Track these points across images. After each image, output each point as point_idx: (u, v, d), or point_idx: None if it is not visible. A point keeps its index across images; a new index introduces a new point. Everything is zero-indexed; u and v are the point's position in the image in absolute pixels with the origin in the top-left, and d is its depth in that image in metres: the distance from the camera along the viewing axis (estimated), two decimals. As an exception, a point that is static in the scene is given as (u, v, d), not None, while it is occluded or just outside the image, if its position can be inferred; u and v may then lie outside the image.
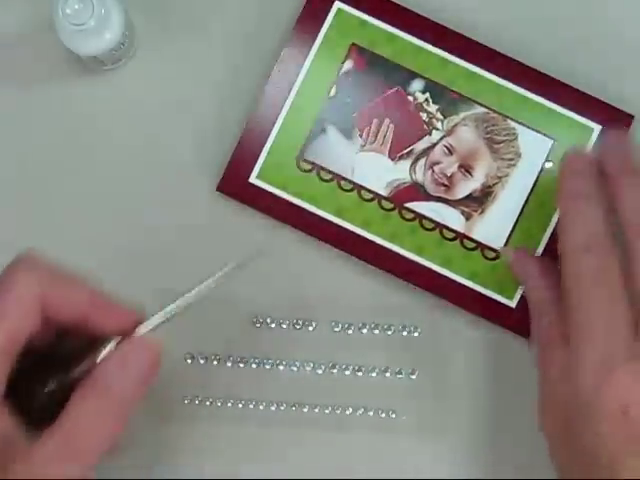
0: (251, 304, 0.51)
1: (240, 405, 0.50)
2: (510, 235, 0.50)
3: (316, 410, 0.50)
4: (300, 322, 0.51)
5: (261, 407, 0.50)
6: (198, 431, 0.50)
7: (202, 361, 0.51)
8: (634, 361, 0.39)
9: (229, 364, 0.51)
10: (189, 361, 0.51)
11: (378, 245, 0.50)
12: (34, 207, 0.51)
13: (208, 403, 0.50)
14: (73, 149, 0.51)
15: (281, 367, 0.51)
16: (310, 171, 0.51)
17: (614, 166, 0.44)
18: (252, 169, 0.50)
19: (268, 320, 0.51)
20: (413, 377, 0.51)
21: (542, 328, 0.45)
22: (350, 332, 0.51)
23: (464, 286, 0.50)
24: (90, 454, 0.37)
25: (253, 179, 0.50)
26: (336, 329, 0.51)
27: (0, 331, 0.37)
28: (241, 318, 0.51)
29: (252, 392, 0.51)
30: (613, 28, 0.52)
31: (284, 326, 0.51)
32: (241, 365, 0.50)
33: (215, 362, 0.50)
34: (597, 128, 0.50)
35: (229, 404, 0.50)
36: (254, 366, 0.51)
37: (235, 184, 0.50)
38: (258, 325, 0.51)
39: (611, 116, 0.50)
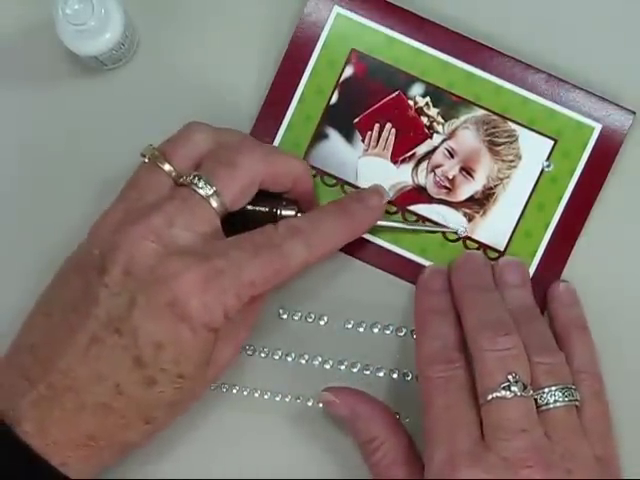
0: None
1: (245, 393, 0.51)
2: (512, 236, 0.51)
3: (320, 405, 0.51)
4: (312, 315, 0.52)
5: (266, 397, 0.52)
6: (204, 415, 0.51)
7: None
8: (475, 459, 0.42)
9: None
10: None
11: (382, 248, 0.51)
12: (33, 208, 0.52)
13: (212, 388, 0.51)
14: (73, 149, 0.52)
15: (289, 359, 0.52)
16: (314, 177, 0.51)
17: (460, 282, 0.48)
18: (258, 176, 0.51)
19: (280, 311, 0.52)
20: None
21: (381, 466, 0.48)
22: (361, 330, 0.52)
23: (467, 286, 0.51)
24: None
25: (259, 186, 0.52)
26: (348, 325, 0.52)
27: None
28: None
29: (259, 381, 0.51)
30: (612, 25, 0.52)
31: (295, 318, 0.52)
32: (249, 353, 0.52)
33: None
34: (598, 126, 0.50)
35: (234, 391, 0.51)
36: (262, 355, 0.52)
37: (242, 191, 0.52)
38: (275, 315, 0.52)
39: (612, 113, 0.50)
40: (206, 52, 0.52)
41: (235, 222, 0.45)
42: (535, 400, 0.44)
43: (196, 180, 0.44)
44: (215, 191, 0.43)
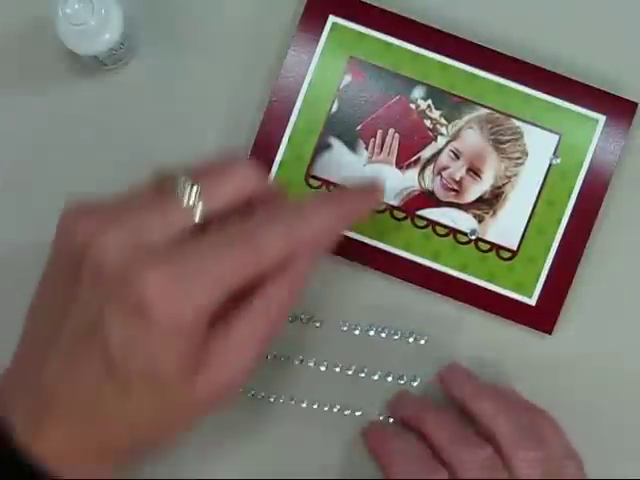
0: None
1: (249, 395, 0.51)
2: (524, 234, 0.50)
3: (314, 406, 0.51)
4: (306, 318, 0.51)
5: (259, 397, 0.51)
6: (206, 418, 0.50)
7: None
8: None
9: None
10: None
11: (393, 255, 0.50)
12: (33, 208, 0.51)
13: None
14: (73, 150, 0.52)
15: (282, 359, 0.51)
16: (319, 187, 0.51)
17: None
18: (262, 191, 0.51)
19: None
20: (414, 384, 0.51)
21: None
22: (357, 333, 0.51)
23: (482, 288, 0.50)
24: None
25: (264, 200, 0.51)
26: (343, 328, 0.51)
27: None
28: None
29: (252, 383, 0.51)
30: (611, 19, 0.52)
31: (289, 318, 0.51)
32: None
33: None
34: (602, 119, 0.50)
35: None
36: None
37: (246, 207, 0.51)
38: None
39: (614, 105, 0.50)
40: (206, 52, 0.52)
41: None
42: None
43: (179, 180, 0.40)
44: (198, 192, 0.40)
